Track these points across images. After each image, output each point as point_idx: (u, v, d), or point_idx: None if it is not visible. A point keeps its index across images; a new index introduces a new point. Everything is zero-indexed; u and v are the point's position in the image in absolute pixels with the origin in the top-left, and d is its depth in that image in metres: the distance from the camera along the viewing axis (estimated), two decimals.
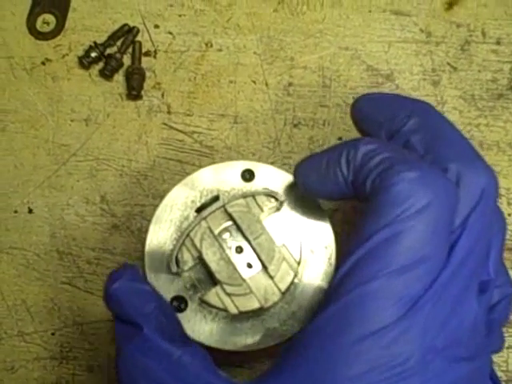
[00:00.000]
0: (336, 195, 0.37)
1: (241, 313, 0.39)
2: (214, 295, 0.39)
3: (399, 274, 0.30)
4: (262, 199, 0.41)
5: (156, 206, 0.43)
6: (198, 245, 0.39)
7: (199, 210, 0.41)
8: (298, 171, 0.39)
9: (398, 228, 0.30)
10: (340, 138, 0.52)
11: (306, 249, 0.41)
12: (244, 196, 0.40)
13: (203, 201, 0.42)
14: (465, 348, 0.32)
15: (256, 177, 0.43)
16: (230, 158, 0.52)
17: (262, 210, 0.40)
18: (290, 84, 0.53)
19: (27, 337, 0.51)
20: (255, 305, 0.39)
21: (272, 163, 0.51)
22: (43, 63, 0.54)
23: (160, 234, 0.42)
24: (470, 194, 0.32)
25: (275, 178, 0.43)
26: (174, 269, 0.39)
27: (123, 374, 0.33)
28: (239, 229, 0.40)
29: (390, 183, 0.31)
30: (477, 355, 0.32)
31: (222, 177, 0.43)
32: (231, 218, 0.40)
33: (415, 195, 0.30)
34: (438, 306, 0.31)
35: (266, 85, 0.53)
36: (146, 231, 0.42)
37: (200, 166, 0.51)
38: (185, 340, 0.36)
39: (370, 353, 0.30)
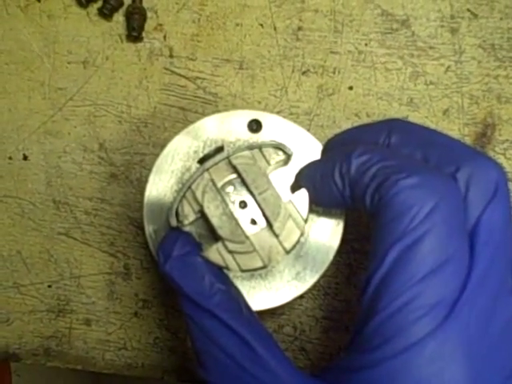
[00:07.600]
0: (338, 207, 0.36)
1: (242, 271, 0.38)
2: (214, 252, 0.37)
3: (427, 281, 0.29)
4: (268, 152, 0.38)
5: (157, 155, 0.40)
6: (199, 198, 0.37)
7: (202, 161, 0.39)
8: (300, 180, 0.38)
9: (411, 238, 0.29)
10: (351, 88, 0.49)
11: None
12: (250, 148, 0.38)
13: (206, 151, 0.40)
14: None
15: (263, 128, 0.40)
16: (235, 106, 0.49)
17: (268, 164, 0.38)
18: (300, 28, 0.50)
19: (23, 288, 0.49)
20: (258, 264, 0.37)
21: (279, 112, 0.49)
22: (38, 0, 0.50)
23: (160, 185, 0.40)
24: (484, 189, 0.31)
25: (284, 129, 0.40)
26: (174, 222, 0.37)
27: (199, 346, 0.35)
28: (244, 182, 0.38)
29: (390, 195, 0.30)
30: None
31: (227, 126, 0.40)
32: (236, 170, 0.38)
33: (420, 200, 0.29)
34: (477, 307, 0.29)
35: (274, 29, 0.50)
36: (146, 181, 0.40)
37: (203, 114, 0.49)
38: (249, 316, 0.36)
39: (413, 367, 0.28)
